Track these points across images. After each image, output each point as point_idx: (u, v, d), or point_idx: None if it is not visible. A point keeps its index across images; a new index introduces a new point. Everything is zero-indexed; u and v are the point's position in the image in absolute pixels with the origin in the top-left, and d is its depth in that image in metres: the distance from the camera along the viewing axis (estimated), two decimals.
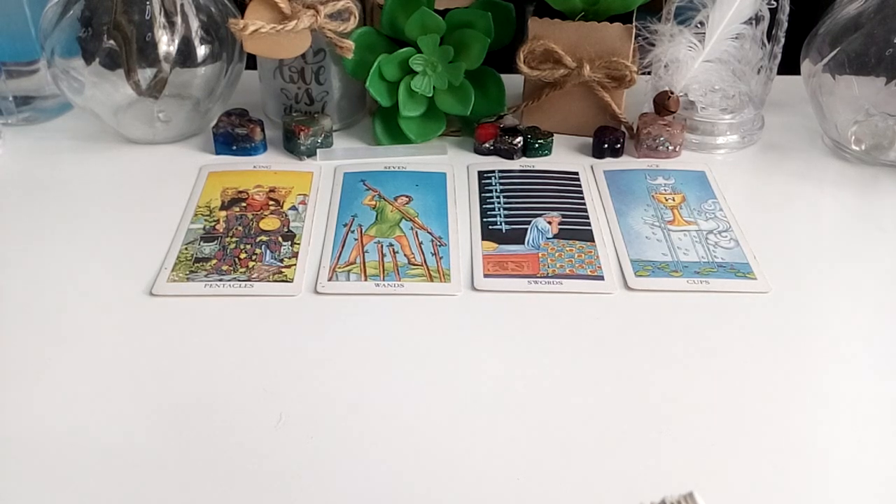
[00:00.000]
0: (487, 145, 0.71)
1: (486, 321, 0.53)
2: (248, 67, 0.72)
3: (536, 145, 0.70)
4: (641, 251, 0.60)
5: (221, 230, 0.61)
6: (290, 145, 0.70)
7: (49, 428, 0.45)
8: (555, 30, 0.68)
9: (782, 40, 0.71)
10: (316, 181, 0.67)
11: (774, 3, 0.69)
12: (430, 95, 0.70)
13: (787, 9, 0.69)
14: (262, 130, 0.70)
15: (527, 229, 0.61)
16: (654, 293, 0.56)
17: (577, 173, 0.69)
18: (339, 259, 0.58)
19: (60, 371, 0.48)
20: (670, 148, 0.70)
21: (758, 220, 0.63)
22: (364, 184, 0.66)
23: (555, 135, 0.71)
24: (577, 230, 0.62)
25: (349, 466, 0.43)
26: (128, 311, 0.53)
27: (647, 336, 0.52)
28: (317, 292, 0.55)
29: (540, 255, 0.59)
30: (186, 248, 0.59)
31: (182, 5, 0.66)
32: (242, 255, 0.58)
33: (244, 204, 0.64)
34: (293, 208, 0.64)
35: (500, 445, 0.44)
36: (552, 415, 0.46)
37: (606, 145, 0.71)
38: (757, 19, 0.69)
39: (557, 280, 0.56)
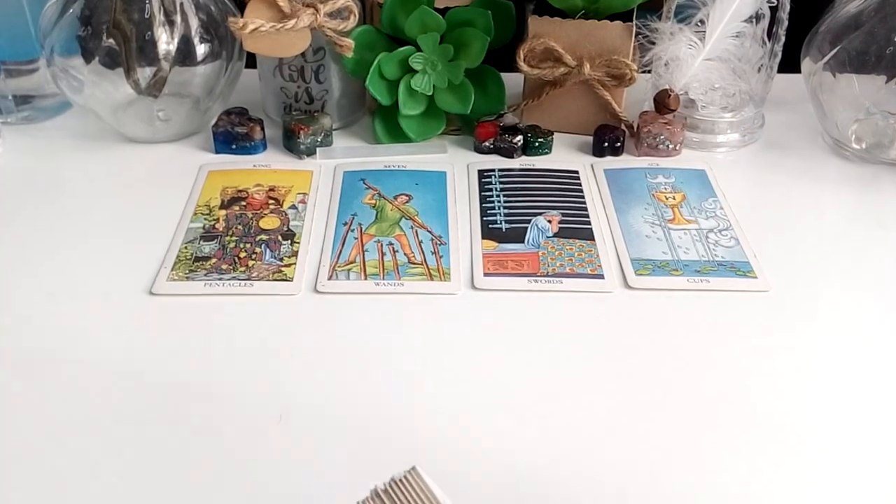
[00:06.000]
0: (487, 144, 0.71)
1: (486, 320, 0.53)
2: (247, 66, 0.72)
3: (536, 144, 0.70)
4: (641, 250, 0.59)
5: (221, 229, 0.61)
6: (290, 144, 0.70)
7: (49, 426, 0.45)
8: (555, 28, 0.68)
9: (783, 38, 0.71)
10: (316, 180, 0.67)
11: (775, 1, 0.69)
12: (430, 94, 0.70)
13: (788, 7, 0.69)
14: (262, 129, 0.70)
15: (527, 228, 0.61)
16: (655, 292, 0.56)
17: (577, 172, 0.69)
18: (338, 258, 0.58)
19: (60, 370, 0.48)
20: (670, 146, 0.70)
21: (758, 218, 0.63)
22: (364, 182, 0.66)
23: (555, 133, 0.71)
24: (578, 229, 0.61)
25: (349, 466, 0.43)
26: (128, 311, 0.53)
27: (647, 335, 0.52)
28: (317, 291, 0.55)
29: (540, 253, 0.59)
30: (186, 247, 0.59)
31: (181, 4, 0.66)
32: (242, 254, 0.58)
33: (244, 203, 0.64)
34: (293, 207, 0.64)
35: (499, 444, 0.44)
36: (552, 413, 0.46)
37: (606, 144, 0.71)
38: (757, 17, 0.69)
39: (557, 279, 0.56)
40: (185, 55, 0.67)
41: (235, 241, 0.60)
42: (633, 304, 0.55)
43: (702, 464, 0.44)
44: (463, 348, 0.51)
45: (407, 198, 0.65)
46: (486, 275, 0.57)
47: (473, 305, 0.54)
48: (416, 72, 0.69)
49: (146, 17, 0.65)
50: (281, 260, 0.58)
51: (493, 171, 0.68)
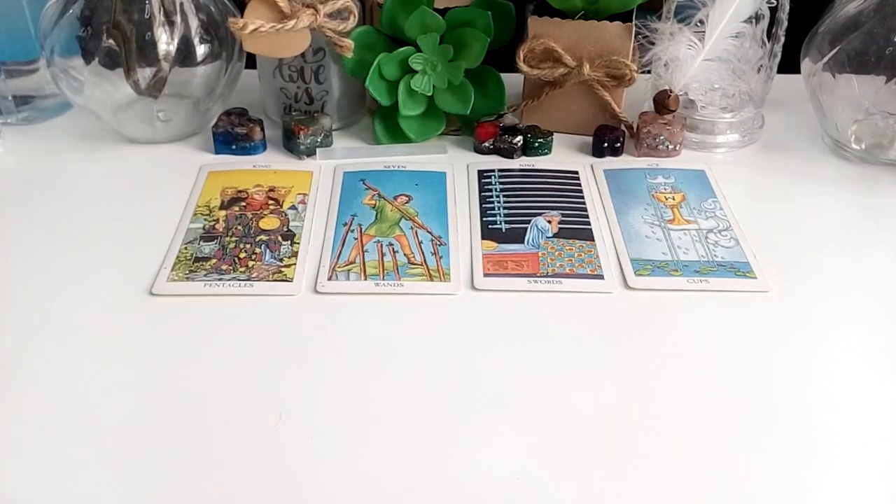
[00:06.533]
0: (487, 144, 0.71)
1: (485, 321, 0.53)
2: (247, 66, 0.72)
3: (536, 144, 0.70)
4: (641, 250, 0.59)
5: (221, 230, 0.61)
6: (290, 144, 0.70)
7: (49, 427, 0.45)
8: (554, 28, 0.68)
9: (782, 39, 0.71)
10: (315, 180, 0.67)
11: (774, 1, 0.69)
12: (430, 94, 0.70)
13: (787, 7, 0.69)
14: (262, 130, 0.70)
15: (527, 228, 0.61)
16: (654, 292, 0.56)
17: (576, 172, 0.69)
18: (338, 258, 0.58)
19: (60, 370, 0.48)
20: (670, 147, 0.70)
21: (758, 219, 0.63)
22: (364, 183, 0.66)
23: (554, 134, 0.71)
24: (577, 229, 0.62)
25: (349, 466, 0.43)
26: (128, 311, 0.53)
27: (646, 335, 0.52)
28: (316, 292, 0.55)
29: (540, 254, 0.59)
30: (186, 248, 0.59)
31: (181, 4, 0.66)
32: (242, 255, 0.58)
33: (244, 203, 0.64)
34: (293, 208, 0.64)
35: (500, 445, 0.44)
36: (552, 414, 0.46)
37: (606, 144, 0.71)
38: (757, 18, 0.69)
39: (557, 279, 0.56)
40: (185, 56, 0.67)
41: (235, 242, 0.60)
42: (632, 304, 0.55)
43: (701, 464, 0.44)
44: (463, 349, 0.51)
45: (407, 198, 0.65)
46: (485, 275, 0.57)
47: (473, 306, 0.54)
48: (415, 72, 0.69)
49: (146, 17, 0.65)
50: (281, 260, 0.58)
51: (492, 171, 0.69)
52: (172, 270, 0.56)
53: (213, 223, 0.62)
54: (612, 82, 0.70)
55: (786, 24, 0.70)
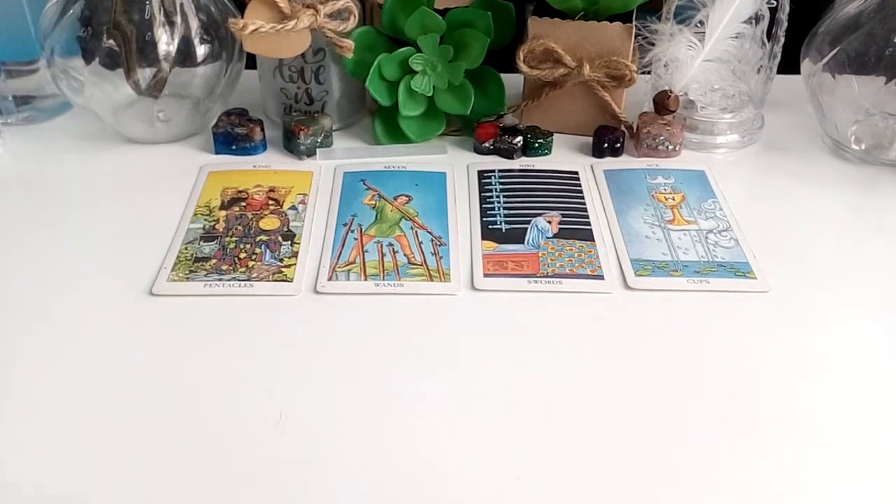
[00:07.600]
0: (487, 145, 0.71)
1: (485, 321, 0.53)
2: (247, 67, 0.72)
3: (536, 145, 0.70)
4: (641, 251, 0.60)
5: (221, 230, 0.61)
6: (290, 145, 0.70)
7: (48, 427, 0.45)
8: (555, 29, 0.68)
9: (782, 39, 0.71)
10: (316, 181, 0.67)
11: (774, 2, 0.69)
12: (430, 95, 0.70)
13: (787, 8, 0.69)
14: (262, 130, 0.70)
15: (527, 229, 0.61)
16: (654, 293, 0.56)
17: (576, 173, 0.69)
18: (338, 258, 0.58)
19: (60, 371, 0.48)
20: (670, 147, 0.70)
21: (758, 219, 0.63)
22: (364, 183, 0.66)
23: (555, 134, 0.71)
24: (577, 230, 0.62)
25: (349, 466, 0.43)
26: (128, 311, 0.53)
27: (646, 335, 0.52)
28: (316, 292, 0.55)
29: (540, 254, 0.59)
30: (186, 248, 0.59)
31: (182, 5, 0.66)
32: (242, 255, 0.58)
33: (244, 203, 0.64)
34: (293, 208, 0.64)
35: (500, 445, 0.44)
36: (552, 414, 0.46)
37: (606, 145, 0.71)
38: (757, 18, 0.69)
39: (557, 279, 0.56)
40: (185, 56, 0.67)
41: (235, 242, 0.60)
42: (632, 304, 0.55)
43: (701, 464, 0.44)
44: (463, 349, 0.51)
45: (407, 198, 0.65)
46: (485, 275, 0.57)
47: (473, 306, 0.54)
48: (415, 73, 0.69)
49: (146, 17, 0.65)
50: (281, 261, 0.58)
51: (492, 171, 0.69)
52: (172, 270, 0.56)
53: (213, 223, 0.62)
54: (612, 83, 0.70)
55: (786, 24, 0.70)
